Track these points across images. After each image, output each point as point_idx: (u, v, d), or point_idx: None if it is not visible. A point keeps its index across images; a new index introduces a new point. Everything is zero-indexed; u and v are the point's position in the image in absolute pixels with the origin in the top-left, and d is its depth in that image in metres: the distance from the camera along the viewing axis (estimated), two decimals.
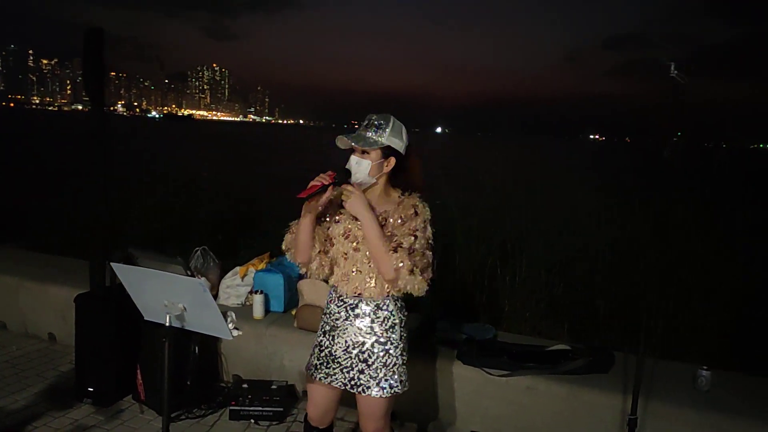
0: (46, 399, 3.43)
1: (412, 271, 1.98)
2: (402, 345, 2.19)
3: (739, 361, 3.34)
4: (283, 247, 2.21)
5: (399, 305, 2.19)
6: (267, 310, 3.72)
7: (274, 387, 3.37)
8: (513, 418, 3.06)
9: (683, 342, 3.59)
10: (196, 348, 3.41)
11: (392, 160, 2.10)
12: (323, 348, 2.23)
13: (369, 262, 2.11)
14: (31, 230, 5.93)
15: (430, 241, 2.08)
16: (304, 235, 2.10)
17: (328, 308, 2.24)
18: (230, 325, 3.47)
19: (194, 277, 1.76)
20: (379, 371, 2.13)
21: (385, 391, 2.12)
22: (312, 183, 1.97)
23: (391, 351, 2.15)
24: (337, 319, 2.19)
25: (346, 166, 2.07)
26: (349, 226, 2.12)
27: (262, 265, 3.85)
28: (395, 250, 1.98)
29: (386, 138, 2.06)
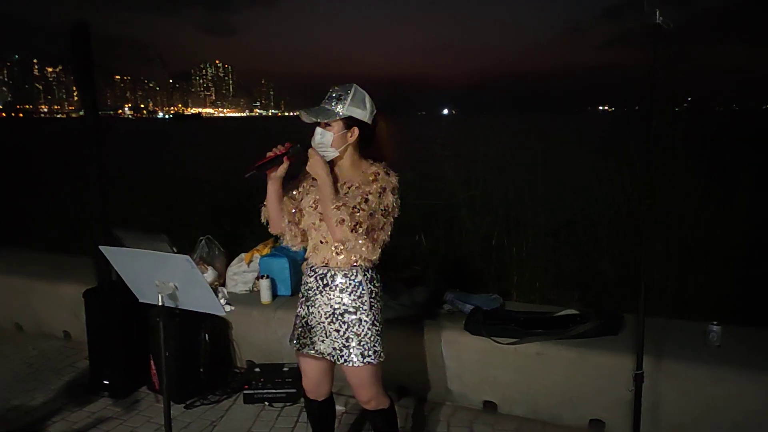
0: (63, 395, 3.49)
1: (354, 229, 1.97)
2: (373, 315, 2.16)
3: (750, 316, 3.29)
4: (261, 219, 2.23)
5: (369, 276, 2.16)
6: (274, 295, 3.73)
7: (285, 369, 3.39)
8: (524, 384, 3.06)
9: (693, 301, 3.55)
10: (206, 335, 3.44)
11: (355, 131, 2.08)
12: (300, 318, 2.25)
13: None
14: (37, 231, 6.01)
15: (385, 207, 2.05)
16: (272, 206, 2.13)
17: (304, 279, 2.25)
18: (222, 301, 3.48)
19: (180, 253, 1.74)
20: (351, 340, 2.13)
21: (362, 359, 2.12)
22: (267, 154, 1.99)
23: (363, 319, 2.14)
24: (309, 289, 2.20)
25: (311, 140, 2.08)
26: (317, 197, 2.11)
27: (266, 250, 3.86)
28: (338, 208, 1.98)
29: (346, 108, 2.04)
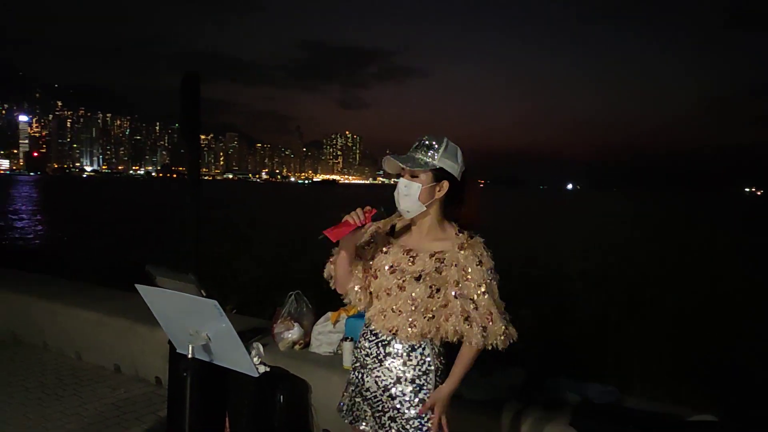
0: None
1: (505, 331, 1.81)
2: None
3: None
4: (324, 275, 2.06)
5: (437, 351, 1.92)
6: None
7: None
8: None
9: None
10: (282, 397, 3.23)
11: (445, 184, 1.86)
12: (354, 387, 2.02)
13: (413, 304, 1.85)
14: (141, 278, 6.30)
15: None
16: (341, 269, 1.94)
17: (359, 342, 2.02)
18: (255, 359, 3.22)
19: (210, 298, 1.54)
20: (411, 422, 1.84)
21: None
22: (345, 219, 1.79)
23: (425, 400, 1.86)
24: (367, 356, 1.96)
25: (395, 192, 1.86)
26: (399, 260, 1.89)
27: (354, 311, 3.63)
28: (483, 328, 1.79)
29: (438, 159, 1.83)
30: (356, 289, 1.96)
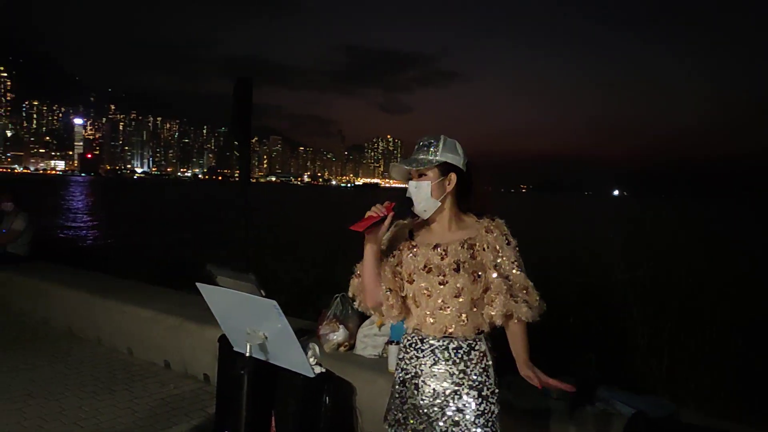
0: None
1: (527, 303, 1.81)
2: (497, 390, 1.89)
3: None
4: (350, 294, 2.03)
5: (490, 345, 1.91)
6: None
7: None
8: None
9: None
10: (327, 399, 3.24)
11: (453, 176, 1.90)
12: (405, 399, 1.95)
13: (459, 296, 1.84)
14: (191, 277, 6.43)
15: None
16: (369, 272, 1.90)
17: (407, 353, 1.96)
18: (311, 360, 3.21)
19: (268, 298, 1.56)
20: (476, 425, 1.82)
21: None
22: (368, 214, 1.82)
23: (488, 398, 1.85)
24: (422, 365, 1.91)
25: (407, 195, 1.90)
26: (431, 258, 1.89)
27: (382, 322, 3.61)
28: (526, 302, 1.80)
29: (440, 154, 1.88)
30: (388, 293, 1.92)
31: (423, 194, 1.87)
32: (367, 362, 3.57)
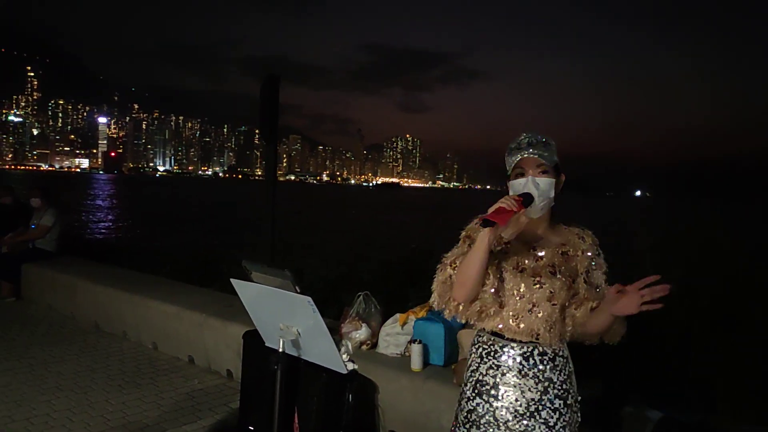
0: None
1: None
2: (580, 398, 1.84)
3: None
4: (434, 287, 1.86)
5: (569, 353, 1.86)
6: (426, 363, 3.44)
7: None
8: None
9: None
10: (350, 396, 3.25)
11: (563, 178, 1.86)
12: (482, 414, 1.82)
13: (551, 300, 1.77)
14: (215, 274, 6.49)
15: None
16: (478, 268, 1.72)
17: (484, 362, 1.84)
18: (344, 357, 3.22)
19: (303, 294, 1.56)
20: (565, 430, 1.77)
21: None
22: (499, 205, 1.65)
23: (572, 406, 1.80)
24: (502, 374, 1.79)
25: (525, 189, 1.76)
26: (524, 258, 1.81)
27: (422, 313, 3.61)
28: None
29: (556, 154, 1.82)
30: (491, 291, 1.80)
31: (547, 190, 1.77)
32: (389, 361, 3.57)
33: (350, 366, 3.16)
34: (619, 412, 2.82)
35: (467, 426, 1.85)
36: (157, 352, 5.00)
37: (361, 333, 3.72)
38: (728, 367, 3.28)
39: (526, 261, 1.81)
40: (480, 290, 1.80)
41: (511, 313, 1.80)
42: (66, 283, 6.16)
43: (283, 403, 1.80)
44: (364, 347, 3.73)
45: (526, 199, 1.71)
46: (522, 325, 1.78)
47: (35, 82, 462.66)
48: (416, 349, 3.40)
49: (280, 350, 1.69)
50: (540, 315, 1.76)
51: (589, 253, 1.81)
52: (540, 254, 1.81)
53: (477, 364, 1.86)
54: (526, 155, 1.76)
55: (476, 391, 1.84)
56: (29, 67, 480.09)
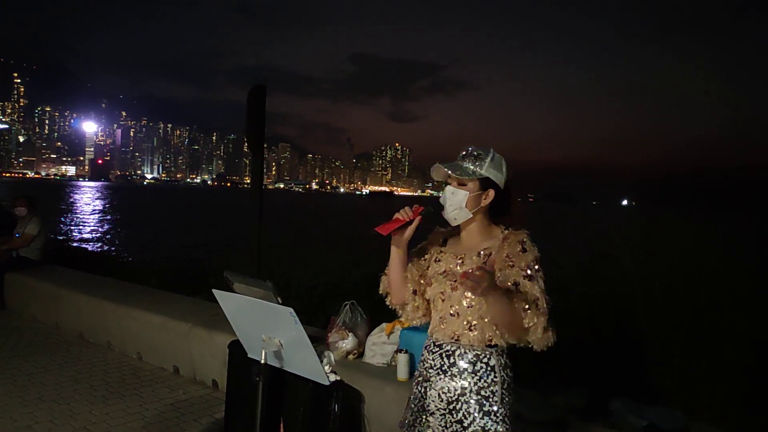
0: None
1: (545, 329, 1.69)
2: (504, 410, 1.81)
3: None
4: (380, 290, 2.08)
5: (503, 362, 1.86)
6: (412, 372, 3.43)
7: None
8: None
9: None
10: (336, 406, 3.24)
11: (491, 193, 1.91)
12: (416, 401, 1.98)
13: (469, 305, 1.85)
14: (201, 283, 6.46)
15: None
16: (395, 273, 1.99)
17: (423, 355, 2.01)
18: (326, 368, 3.22)
19: (285, 305, 1.57)
20: None
21: None
22: (396, 216, 1.87)
23: (492, 412, 1.80)
24: (431, 368, 1.93)
25: (440, 199, 1.94)
26: (450, 264, 1.94)
27: (408, 323, 3.62)
28: (524, 311, 1.68)
29: (485, 169, 1.89)
30: (413, 294, 1.99)
31: (457, 202, 1.89)
32: (375, 370, 3.57)
33: (332, 377, 3.16)
34: (603, 421, 2.84)
35: (408, 408, 2.02)
36: (142, 363, 4.95)
37: (348, 342, 3.72)
38: (711, 374, 3.32)
39: (450, 266, 1.93)
40: (405, 294, 1.99)
41: (438, 317, 1.94)
42: (50, 292, 6.09)
43: (266, 415, 1.79)
44: (350, 357, 3.72)
45: (427, 209, 1.88)
46: (445, 328, 1.91)
47: (21, 89, 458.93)
48: (402, 359, 3.40)
49: (263, 361, 1.70)
50: (459, 318, 1.87)
51: (508, 253, 1.80)
52: (462, 260, 1.91)
53: (422, 356, 2.01)
54: (450, 167, 1.89)
55: (416, 380, 2.01)
56: (15, 74, 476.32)
